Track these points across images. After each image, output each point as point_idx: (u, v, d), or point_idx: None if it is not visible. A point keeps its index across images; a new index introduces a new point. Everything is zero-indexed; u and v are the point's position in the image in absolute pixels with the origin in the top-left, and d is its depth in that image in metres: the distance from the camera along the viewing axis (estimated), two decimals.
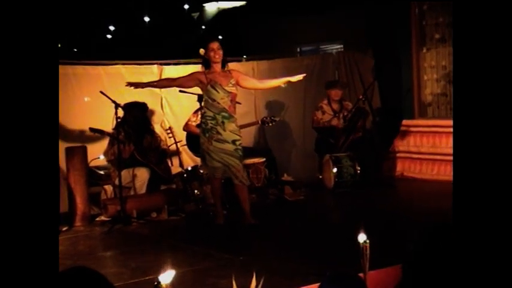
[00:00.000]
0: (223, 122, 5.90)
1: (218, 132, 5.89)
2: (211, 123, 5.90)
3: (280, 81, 6.15)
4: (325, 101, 8.11)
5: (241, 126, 7.64)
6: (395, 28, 9.05)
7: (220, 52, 5.91)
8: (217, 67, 5.93)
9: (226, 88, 5.90)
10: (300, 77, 5.94)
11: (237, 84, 6.02)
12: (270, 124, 7.49)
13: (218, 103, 5.89)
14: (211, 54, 5.87)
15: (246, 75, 6.09)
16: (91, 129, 6.68)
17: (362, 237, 3.28)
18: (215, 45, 5.90)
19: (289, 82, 6.05)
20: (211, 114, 5.91)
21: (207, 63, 5.96)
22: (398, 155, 8.68)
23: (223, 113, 5.91)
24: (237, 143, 5.96)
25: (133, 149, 6.79)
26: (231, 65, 8.39)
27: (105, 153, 6.85)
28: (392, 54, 9.17)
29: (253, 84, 6.30)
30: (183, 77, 6.14)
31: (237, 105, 7.35)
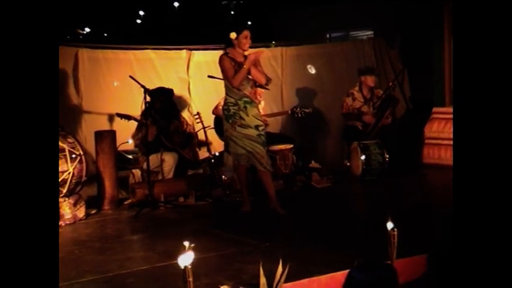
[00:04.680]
0: (245, 107, 5.91)
1: (241, 118, 5.90)
2: (234, 109, 5.91)
3: (259, 71, 5.97)
4: (356, 88, 8.02)
5: (271, 115, 7.65)
6: (427, 14, 8.90)
7: (250, 42, 5.93)
8: (240, 54, 5.93)
9: (247, 76, 5.89)
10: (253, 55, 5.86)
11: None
12: (300, 115, 7.43)
13: (239, 90, 5.89)
14: (244, 41, 5.88)
15: (260, 65, 6.05)
16: (118, 115, 6.74)
17: (390, 226, 3.25)
18: (248, 33, 5.92)
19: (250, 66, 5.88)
20: (232, 100, 5.92)
21: (227, 47, 5.97)
22: (429, 141, 8.57)
23: (245, 98, 5.92)
24: (260, 128, 5.96)
25: (157, 132, 6.81)
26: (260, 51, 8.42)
27: (133, 138, 6.91)
28: (423, 41, 9.03)
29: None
30: (229, 71, 5.93)
31: (264, 91, 7.35)
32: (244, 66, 5.82)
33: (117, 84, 7.58)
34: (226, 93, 6.00)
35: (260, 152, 5.94)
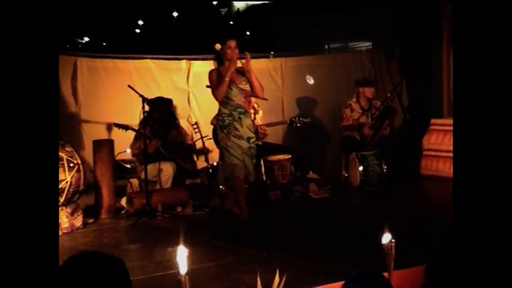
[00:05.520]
0: (240, 118, 6.00)
1: (236, 128, 5.99)
2: (228, 119, 6.00)
3: (253, 77, 6.00)
4: (354, 99, 8.03)
5: (269, 125, 7.65)
6: (426, 26, 8.93)
7: (236, 51, 5.97)
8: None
9: (240, 86, 6.01)
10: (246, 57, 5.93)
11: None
12: (299, 125, 7.45)
13: (233, 100, 5.99)
14: (228, 51, 5.94)
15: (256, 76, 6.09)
16: (115, 125, 6.73)
17: (387, 236, 3.24)
18: (233, 43, 5.98)
19: (249, 70, 5.96)
20: (227, 111, 6.01)
21: (220, 59, 6.03)
22: (427, 153, 8.57)
23: (239, 109, 6.01)
24: (251, 140, 6.07)
25: (158, 145, 6.82)
26: (258, 61, 8.44)
27: (131, 147, 6.91)
28: (422, 52, 9.06)
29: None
30: (213, 85, 6.03)
31: (263, 101, 7.37)
32: (226, 79, 5.86)
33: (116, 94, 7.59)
34: (220, 104, 6.05)
35: (249, 164, 6.08)
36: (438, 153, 8.42)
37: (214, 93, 6.02)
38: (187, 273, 2.43)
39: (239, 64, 6.04)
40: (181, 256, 2.30)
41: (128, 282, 1.88)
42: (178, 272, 2.30)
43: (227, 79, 5.87)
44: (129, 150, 6.95)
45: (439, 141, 8.45)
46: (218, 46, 5.95)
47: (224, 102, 6.00)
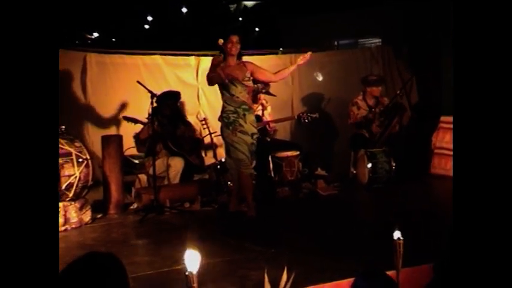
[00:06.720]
0: (244, 115, 6.07)
1: (241, 125, 6.07)
2: (233, 116, 6.06)
3: (291, 68, 6.32)
4: (360, 97, 8.00)
5: (277, 121, 7.65)
6: (437, 22, 8.87)
7: (238, 46, 6.04)
8: (233, 61, 6.07)
9: (243, 82, 6.07)
10: (306, 55, 6.14)
11: (252, 77, 6.13)
12: (307, 120, 7.44)
13: (237, 97, 6.05)
14: (229, 45, 6.01)
15: (260, 67, 6.19)
16: (124, 118, 6.75)
17: (396, 234, 3.23)
18: (235, 38, 6.04)
19: (299, 66, 6.26)
20: (231, 108, 6.06)
21: (223, 54, 6.10)
22: (436, 151, 8.51)
23: (244, 106, 6.07)
24: (254, 136, 6.15)
25: (151, 134, 6.71)
26: (267, 58, 8.42)
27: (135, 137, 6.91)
28: (432, 49, 9.00)
29: (268, 77, 6.31)
30: (212, 76, 6.12)
31: (273, 97, 7.36)
32: (219, 71, 5.94)
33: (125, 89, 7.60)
34: (225, 101, 6.10)
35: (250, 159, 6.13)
36: (447, 152, 8.31)
37: (207, 77, 6.15)
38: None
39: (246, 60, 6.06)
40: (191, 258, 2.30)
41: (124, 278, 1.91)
42: (186, 268, 2.30)
43: (220, 72, 5.95)
44: None
45: (451, 139, 8.35)
46: (221, 41, 6.03)
47: (228, 99, 6.07)
